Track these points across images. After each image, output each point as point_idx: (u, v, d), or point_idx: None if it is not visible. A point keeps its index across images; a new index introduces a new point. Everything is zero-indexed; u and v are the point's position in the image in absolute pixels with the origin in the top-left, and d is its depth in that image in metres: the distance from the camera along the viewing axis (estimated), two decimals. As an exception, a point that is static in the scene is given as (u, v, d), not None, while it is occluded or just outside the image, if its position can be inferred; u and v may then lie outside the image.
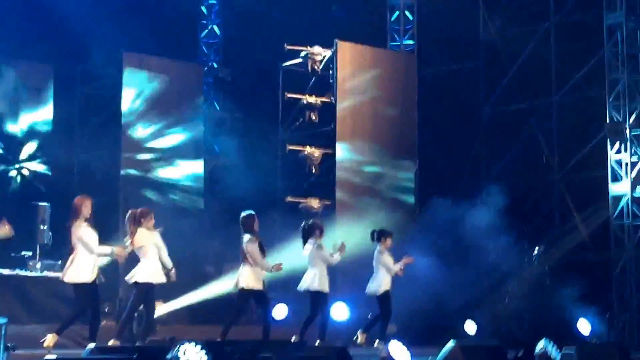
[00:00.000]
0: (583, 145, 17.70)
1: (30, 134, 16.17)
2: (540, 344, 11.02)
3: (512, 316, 16.24)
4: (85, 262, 10.77)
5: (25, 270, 14.12)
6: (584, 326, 14.32)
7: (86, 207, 10.84)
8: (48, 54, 16.41)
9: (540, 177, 18.23)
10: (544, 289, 16.79)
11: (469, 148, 18.64)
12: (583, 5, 17.75)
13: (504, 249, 17.04)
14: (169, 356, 8.74)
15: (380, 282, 13.24)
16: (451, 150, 18.24)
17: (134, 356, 8.47)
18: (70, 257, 10.83)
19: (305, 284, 12.63)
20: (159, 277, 11.25)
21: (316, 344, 12.15)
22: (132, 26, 15.87)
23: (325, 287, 12.63)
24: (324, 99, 17.20)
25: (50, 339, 10.55)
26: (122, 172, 16.03)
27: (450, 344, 10.44)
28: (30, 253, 14.44)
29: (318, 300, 12.60)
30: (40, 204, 14.96)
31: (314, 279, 12.56)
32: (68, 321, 10.82)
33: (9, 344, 8.14)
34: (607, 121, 16.97)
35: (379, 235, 13.40)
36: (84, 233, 10.78)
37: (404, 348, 10.03)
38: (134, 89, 16.40)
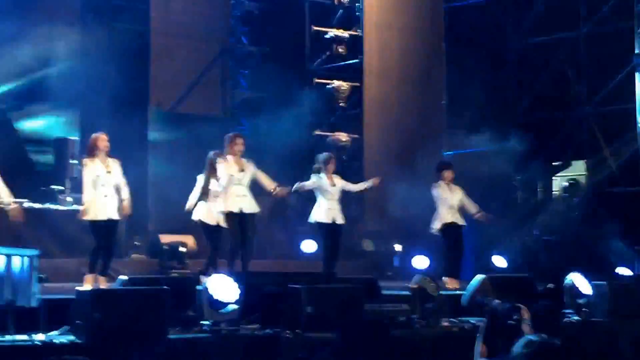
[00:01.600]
0: (611, 78, 17.43)
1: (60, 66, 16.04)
2: (570, 277, 10.96)
3: (541, 249, 16.17)
4: (98, 200, 10.68)
5: (56, 204, 14.11)
6: (614, 259, 14.23)
7: (101, 142, 10.71)
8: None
9: (569, 111, 18.01)
10: (573, 222, 16.66)
11: (497, 81, 18.40)
12: None
13: (533, 183, 16.94)
14: (199, 287, 8.74)
15: (436, 217, 12.88)
16: (478, 84, 18.00)
17: (165, 287, 8.45)
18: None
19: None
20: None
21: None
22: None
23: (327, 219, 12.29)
24: (351, 32, 17.01)
25: (87, 281, 10.52)
26: (151, 107, 15.92)
27: (479, 277, 10.39)
28: (60, 187, 14.39)
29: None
30: (70, 137, 14.89)
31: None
32: (92, 257, 10.75)
33: (41, 276, 8.11)
34: (636, 53, 16.72)
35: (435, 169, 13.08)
36: (89, 170, 10.69)
37: (434, 282, 10.00)
38: (163, 24, 16.23)
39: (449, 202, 12.83)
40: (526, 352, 3.74)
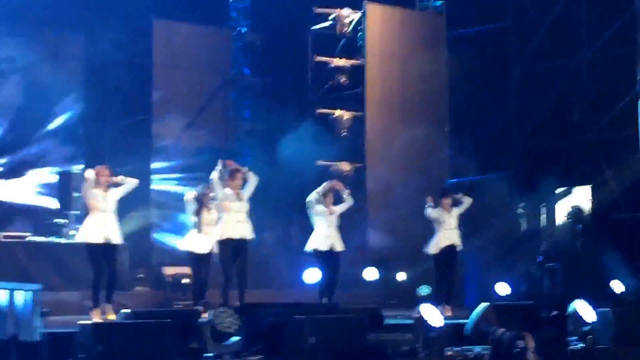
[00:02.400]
0: (614, 104, 17.45)
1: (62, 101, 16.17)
2: (574, 304, 10.93)
3: (545, 276, 16.14)
4: (92, 223, 10.70)
5: (60, 238, 14.15)
6: (618, 286, 14.16)
7: (102, 176, 10.76)
8: (79, 22, 16.36)
9: (572, 137, 18.02)
10: (577, 248, 16.65)
11: (500, 108, 18.44)
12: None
13: (536, 209, 16.93)
14: (203, 320, 8.75)
15: (431, 241, 12.96)
16: (482, 112, 18.04)
17: (168, 320, 8.45)
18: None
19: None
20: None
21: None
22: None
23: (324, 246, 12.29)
24: (353, 62, 17.07)
25: (95, 315, 10.52)
26: (154, 140, 16.02)
27: (482, 305, 10.39)
28: (64, 220, 14.44)
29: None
30: (74, 171, 14.96)
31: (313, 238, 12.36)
32: (93, 289, 10.76)
33: (43, 310, 8.13)
34: (638, 79, 16.75)
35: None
36: (86, 193, 10.73)
37: (437, 310, 9.97)
38: (165, 57, 16.36)
39: (447, 225, 12.88)
40: None
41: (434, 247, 12.90)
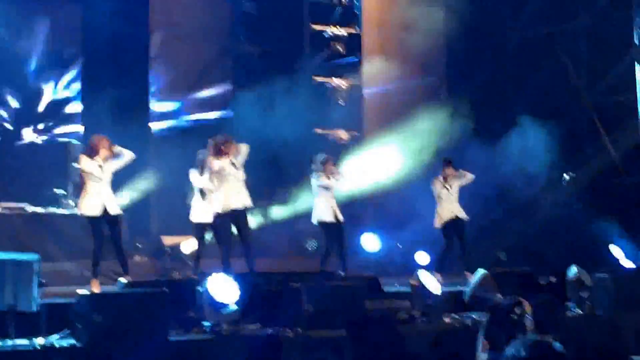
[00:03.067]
0: (611, 69, 17.37)
1: (59, 72, 16.10)
2: (571, 271, 10.94)
3: (543, 242, 16.13)
4: (90, 195, 10.67)
5: (59, 208, 14.14)
6: (617, 251, 14.17)
7: (101, 146, 10.72)
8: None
9: (569, 102, 17.94)
10: (575, 214, 16.63)
11: (497, 74, 18.36)
12: None
13: (534, 175, 16.89)
14: (200, 288, 8.74)
15: (436, 214, 13.04)
16: (478, 78, 17.97)
17: (166, 290, 8.45)
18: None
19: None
20: None
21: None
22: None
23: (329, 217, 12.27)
24: (349, 30, 16.99)
25: (94, 284, 10.51)
26: (151, 108, 15.95)
27: (480, 271, 10.40)
28: (62, 191, 14.42)
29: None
30: (71, 142, 14.92)
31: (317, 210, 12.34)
32: (93, 259, 10.74)
33: (41, 280, 8.13)
34: (635, 43, 16.68)
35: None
36: (84, 165, 10.69)
37: (434, 277, 9.99)
38: (163, 26, 16.28)
39: (447, 198, 12.87)
40: (525, 355, 3.66)
41: (438, 221, 12.97)
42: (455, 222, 12.98)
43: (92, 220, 10.66)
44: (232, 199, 11.10)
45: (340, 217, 12.23)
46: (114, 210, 10.75)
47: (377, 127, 16.68)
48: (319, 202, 12.21)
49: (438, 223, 12.98)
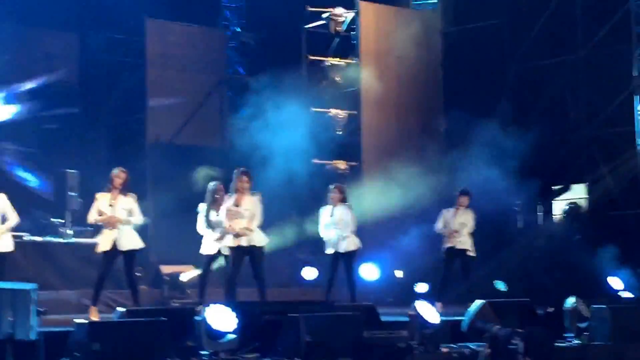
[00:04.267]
0: (610, 101, 17.47)
1: (56, 101, 16.19)
2: (570, 301, 10.96)
3: (542, 272, 16.17)
4: (104, 232, 10.83)
5: (56, 237, 14.18)
6: (615, 282, 14.20)
7: (117, 179, 10.86)
8: (72, 22, 16.40)
9: (567, 134, 18.02)
10: (574, 245, 16.67)
11: (495, 105, 18.45)
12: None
13: (533, 207, 16.94)
14: (198, 318, 8.78)
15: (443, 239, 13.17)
16: (477, 109, 18.05)
17: (164, 319, 8.49)
18: None
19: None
20: None
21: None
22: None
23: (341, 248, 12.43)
24: (347, 61, 17.09)
25: (93, 313, 10.58)
26: (149, 140, 16.03)
27: (478, 302, 10.41)
28: (60, 220, 14.47)
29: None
30: (69, 170, 14.99)
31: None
32: (95, 288, 10.84)
33: (39, 309, 8.16)
34: (634, 75, 16.77)
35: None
36: (98, 203, 10.83)
37: (432, 307, 10.00)
38: (158, 57, 16.40)
39: (452, 226, 13.05)
40: None
41: (443, 246, 13.12)
42: (461, 254, 13.06)
43: (103, 253, 10.78)
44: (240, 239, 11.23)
45: (350, 247, 12.35)
46: (127, 245, 10.84)
47: (375, 157, 16.75)
48: (328, 233, 12.34)
49: (443, 249, 13.09)
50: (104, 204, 10.82)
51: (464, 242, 13.13)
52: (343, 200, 12.60)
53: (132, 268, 11.10)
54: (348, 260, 12.46)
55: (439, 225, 13.18)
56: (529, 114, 18.34)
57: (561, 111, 18.17)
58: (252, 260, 11.36)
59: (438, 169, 17.04)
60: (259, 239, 11.41)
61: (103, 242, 10.85)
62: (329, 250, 12.45)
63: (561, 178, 17.98)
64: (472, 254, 13.22)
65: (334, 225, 12.40)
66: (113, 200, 10.84)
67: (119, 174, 10.93)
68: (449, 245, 13.09)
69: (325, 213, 12.46)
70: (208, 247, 11.77)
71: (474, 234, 13.34)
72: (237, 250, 11.29)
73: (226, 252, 11.52)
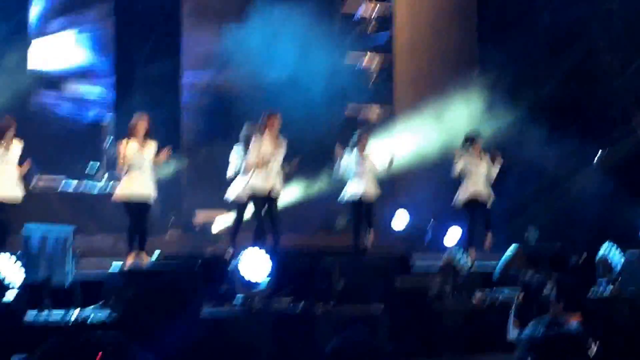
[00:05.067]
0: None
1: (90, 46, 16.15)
2: (603, 249, 10.88)
3: (575, 220, 16.05)
4: (128, 180, 10.68)
5: (92, 182, 14.22)
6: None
7: (140, 125, 10.75)
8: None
9: (601, 84, 17.80)
10: (608, 193, 16.53)
11: (531, 53, 18.21)
12: None
13: (567, 153, 16.80)
14: (232, 264, 8.77)
15: (461, 189, 12.58)
16: (511, 58, 17.82)
17: (198, 265, 8.50)
18: None
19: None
20: None
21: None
22: None
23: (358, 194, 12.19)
24: (382, 7, 16.96)
25: (129, 259, 10.55)
26: (184, 80, 15.95)
27: (513, 248, 10.37)
28: (96, 165, 14.48)
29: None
30: (105, 118, 14.98)
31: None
32: (128, 236, 10.80)
33: (76, 253, 8.17)
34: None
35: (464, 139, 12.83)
36: (122, 148, 10.72)
37: (464, 254, 9.98)
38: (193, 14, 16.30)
39: (475, 174, 12.58)
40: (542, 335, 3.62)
41: (462, 196, 12.57)
42: (479, 200, 12.62)
43: (125, 204, 10.72)
44: (265, 180, 11.12)
45: (370, 195, 12.18)
46: (148, 196, 10.76)
47: (408, 102, 16.60)
48: (351, 179, 12.17)
49: (462, 200, 12.52)
50: (129, 150, 10.70)
51: (485, 188, 12.75)
52: (367, 146, 12.35)
53: (147, 215, 10.92)
54: (369, 206, 12.27)
55: (456, 170, 12.71)
56: (564, 62, 18.12)
57: (595, 59, 17.93)
58: (270, 206, 11.23)
59: (471, 114, 16.86)
60: (280, 185, 11.30)
61: (127, 192, 10.67)
62: (353, 197, 12.22)
63: (596, 126, 17.78)
64: (491, 199, 12.83)
65: (358, 171, 12.17)
66: (139, 147, 10.72)
67: (142, 121, 10.78)
68: (473, 195, 12.74)
69: (350, 158, 12.22)
70: (238, 192, 11.64)
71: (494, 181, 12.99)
72: (260, 197, 11.20)
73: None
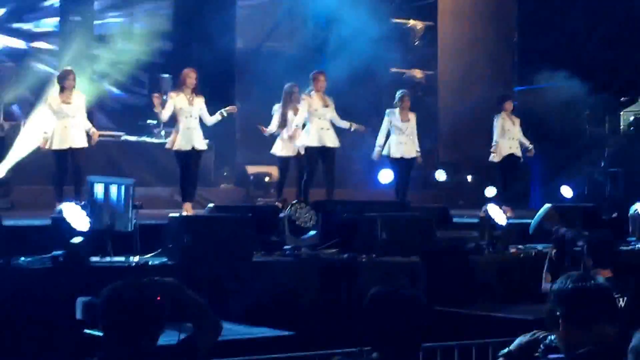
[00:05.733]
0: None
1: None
2: (635, 206, 10.81)
3: (607, 180, 15.92)
4: (180, 131, 10.77)
5: (151, 137, 14.33)
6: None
7: (189, 79, 10.80)
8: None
9: (630, 51, 17.52)
10: (638, 155, 16.36)
11: (567, 19, 17.95)
12: None
13: (601, 116, 16.65)
14: (281, 214, 8.85)
15: (495, 147, 12.53)
16: (549, 22, 17.58)
17: (250, 215, 8.59)
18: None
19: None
20: None
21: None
22: None
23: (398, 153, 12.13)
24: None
25: (187, 208, 10.68)
26: (238, 43, 15.95)
27: (546, 206, 10.34)
28: (154, 121, 14.59)
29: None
30: (162, 75, 15.05)
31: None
32: (182, 187, 10.91)
33: (136, 203, 8.29)
34: None
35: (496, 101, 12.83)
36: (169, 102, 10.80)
37: (501, 210, 9.96)
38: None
39: (510, 134, 12.54)
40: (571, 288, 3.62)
41: (497, 155, 12.57)
42: (513, 157, 12.58)
43: (178, 154, 10.81)
44: (319, 136, 11.13)
45: (411, 154, 12.15)
46: (200, 145, 10.85)
47: (451, 66, 16.53)
48: (391, 137, 12.16)
49: (498, 157, 12.51)
50: (179, 103, 10.78)
51: (518, 148, 12.72)
52: (409, 107, 12.32)
53: (198, 166, 11.02)
54: (408, 165, 12.22)
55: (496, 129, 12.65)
56: (597, 27, 17.86)
57: (630, 26, 17.65)
58: (325, 160, 11.29)
59: (510, 79, 16.74)
60: (333, 139, 11.33)
61: (178, 143, 10.75)
62: (394, 154, 12.19)
63: (629, 91, 17.57)
64: (520, 155, 12.77)
65: (399, 131, 12.13)
66: (189, 99, 10.78)
67: (190, 74, 10.81)
68: (508, 152, 12.57)
69: (393, 118, 12.18)
70: (283, 147, 11.70)
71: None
72: (312, 150, 11.24)
73: (302, 151, 11.43)
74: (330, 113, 11.34)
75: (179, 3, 15.91)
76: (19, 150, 12.49)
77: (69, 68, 10.97)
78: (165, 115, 10.83)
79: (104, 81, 14.64)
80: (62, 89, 10.60)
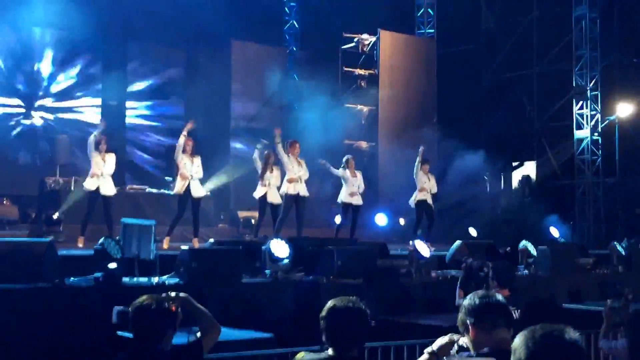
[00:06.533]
0: (556, 103, 17.36)
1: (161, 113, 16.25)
2: (523, 243, 10.93)
3: (502, 223, 16.12)
4: (180, 182, 10.88)
5: (167, 190, 14.30)
6: (554, 231, 14.13)
7: (188, 146, 10.83)
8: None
9: (524, 127, 17.90)
10: (526, 204, 16.62)
11: (474, 105, 18.32)
12: (557, 2, 17.33)
13: (497, 177, 16.88)
14: (264, 247, 8.85)
15: (415, 194, 12.67)
16: (461, 108, 17.90)
17: (240, 247, 8.58)
18: None
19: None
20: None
21: None
22: (234, 19, 15.49)
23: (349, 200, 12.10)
24: (370, 72, 17.05)
25: (195, 243, 10.66)
26: (232, 145, 16.07)
27: (457, 242, 10.41)
28: (170, 178, 14.58)
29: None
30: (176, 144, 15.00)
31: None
32: (170, 225, 10.92)
33: (157, 238, 8.28)
34: (574, 85, 16.66)
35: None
36: (176, 157, 10.87)
37: (425, 245, 10.01)
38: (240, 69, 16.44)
39: (425, 186, 12.68)
40: (477, 304, 3.63)
41: (414, 199, 12.70)
42: (426, 203, 12.68)
43: (179, 197, 10.88)
44: (293, 188, 11.17)
45: (358, 202, 12.22)
46: (196, 194, 10.88)
47: (388, 140, 16.71)
48: (343, 188, 12.25)
49: (414, 201, 12.65)
50: (182, 162, 10.83)
51: (430, 196, 12.83)
52: (354, 167, 12.41)
53: (197, 209, 11.02)
54: (357, 210, 12.28)
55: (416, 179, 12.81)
56: (497, 112, 18.23)
57: (520, 109, 18.05)
58: (298, 206, 11.31)
59: (431, 149, 16.89)
60: (304, 190, 11.40)
61: (179, 188, 10.85)
62: (347, 202, 12.14)
63: (519, 157, 17.89)
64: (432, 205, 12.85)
65: (349, 185, 12.20)
66: (189, 160, 10.84)
67: (188, 144, 10.87)
68: (422, 198, 12.66)
69: (344, 174, 12.24)
70: (262, 194, 11.50)
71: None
72: (290, 197, 11.27)
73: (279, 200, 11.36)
74: (303, 172, 11.41)
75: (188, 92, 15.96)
76: (70, 197, 12.44)
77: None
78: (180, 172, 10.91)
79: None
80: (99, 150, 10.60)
